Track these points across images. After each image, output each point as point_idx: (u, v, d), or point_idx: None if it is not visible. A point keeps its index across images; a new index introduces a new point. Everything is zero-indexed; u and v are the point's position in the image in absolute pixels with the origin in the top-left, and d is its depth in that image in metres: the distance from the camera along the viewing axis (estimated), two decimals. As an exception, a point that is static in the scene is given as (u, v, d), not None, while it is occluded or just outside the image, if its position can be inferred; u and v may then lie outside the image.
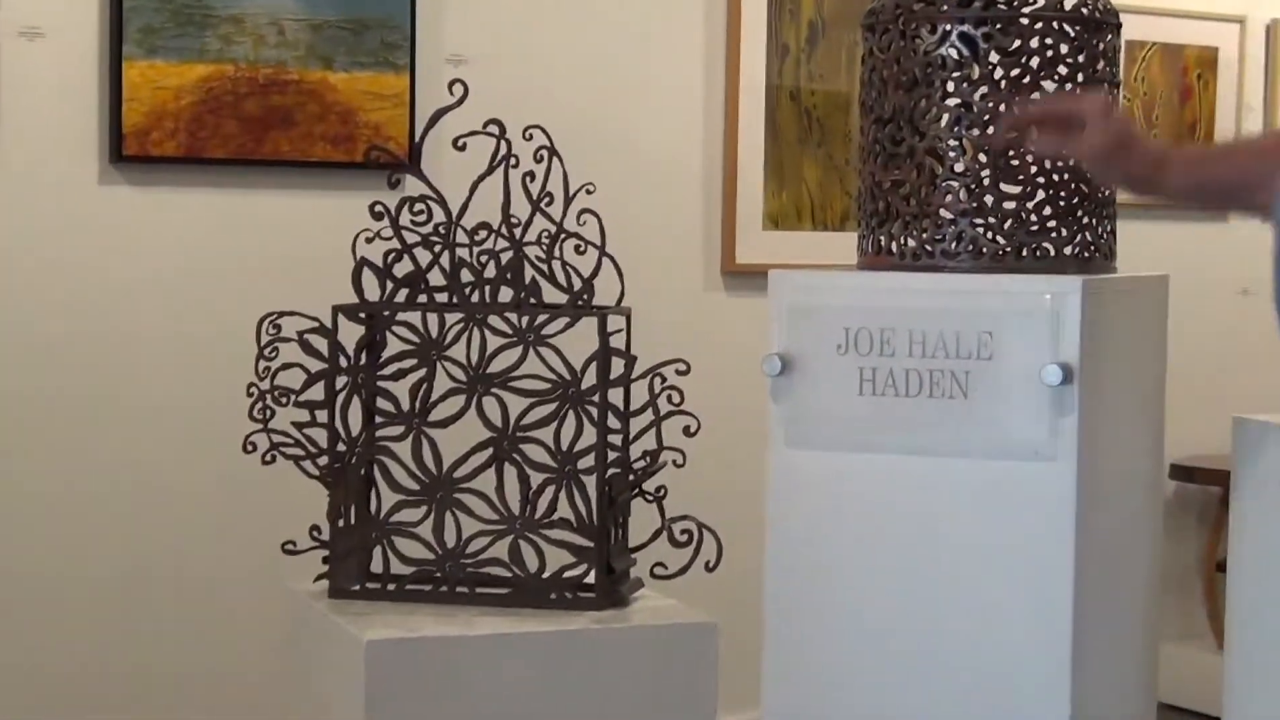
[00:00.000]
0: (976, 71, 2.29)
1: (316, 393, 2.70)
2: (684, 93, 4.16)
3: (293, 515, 2.76)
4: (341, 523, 2.69)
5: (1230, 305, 4.82)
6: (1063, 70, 2.31)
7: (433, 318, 2.70)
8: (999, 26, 2.28)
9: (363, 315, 2.70)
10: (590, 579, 2.63)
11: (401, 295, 2.71)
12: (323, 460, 2.70)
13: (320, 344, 2.69)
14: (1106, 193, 2.39)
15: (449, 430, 2.69)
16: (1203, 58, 4.68)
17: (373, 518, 2.70)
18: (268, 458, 2.71)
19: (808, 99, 4.25)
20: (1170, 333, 2.55)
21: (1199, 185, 2.15)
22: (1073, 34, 2.31)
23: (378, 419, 2.70)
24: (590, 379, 2.64)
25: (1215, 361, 4.71)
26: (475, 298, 2.71)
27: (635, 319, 2.73)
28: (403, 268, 2.72)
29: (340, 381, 2.69)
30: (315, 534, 2.71)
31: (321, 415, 2.70)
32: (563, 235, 2.71)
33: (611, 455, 2.64)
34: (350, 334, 2.69)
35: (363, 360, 2.70)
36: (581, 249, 2.71)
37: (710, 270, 4.21)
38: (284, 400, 2.71)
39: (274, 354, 2.71)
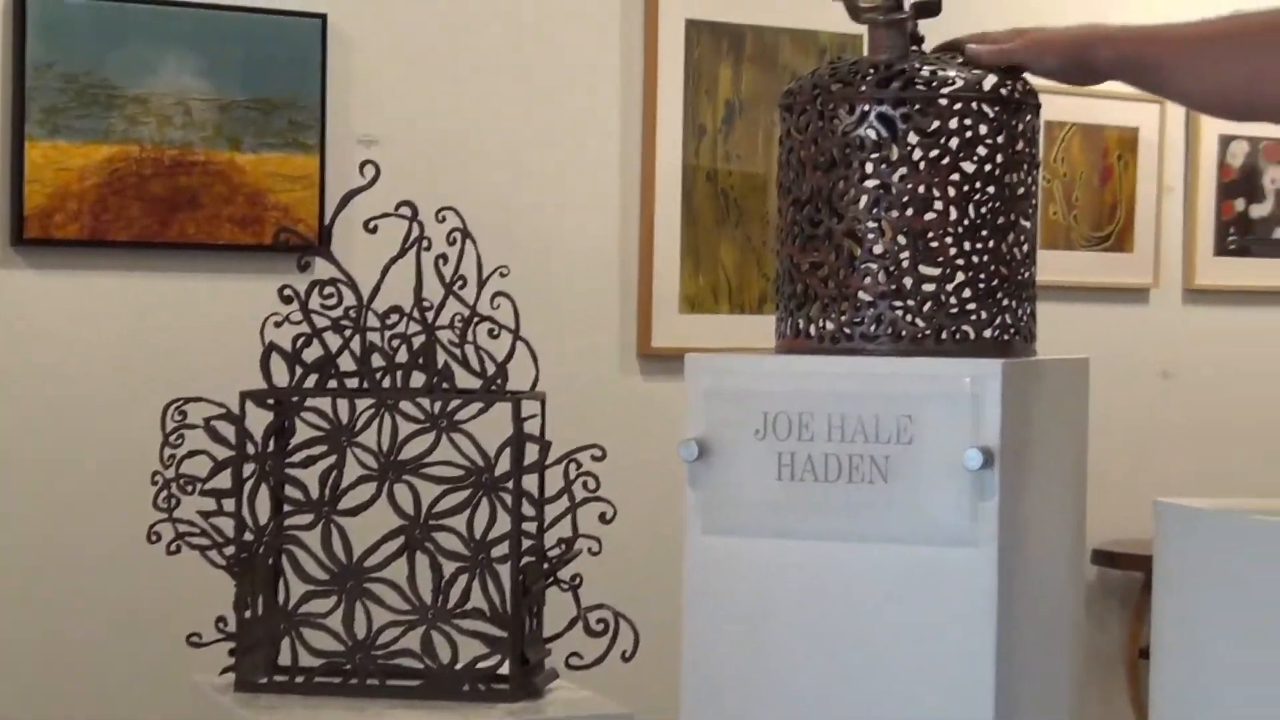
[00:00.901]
0: (895, 152, 2.27)
1: (223, 480, 2.66)
2: (599, 173, 4.14)
3: (198, 606, 2.71)
4: (248, 614, 2.64)
5: (1150, 388, 4.83)
6: (982, 151, 2.29)
7: (343, 403, 2.67)
8: (918, 107, 2.26)
9: (271, 401, 2.66)
10: (504, 670, 2.60)
11: (311, 380, 2.68)
12: (229, 550, 2.65)
13: (227, 430, 2.65)
14: (1026, 275, 2.37)
15: (359, 518, 2.65)
16: (1123, 138, 4.70)
17: (281, 608, 2.65)
18: (173, 547, 2.66)
19: (725, 180, 4.24)
20: (1091, 416, 2.53)
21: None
22: (992, 115, 2.29)
23: (286, 507, 2.66)
24: (504, 465, 2.62)
25: (1136, 445, 4.71)
26: (386, 383, 2.67)
27: (550, 404, 2.70)
28: (312, 352, 2.69)
29: (248, 469, 2.64)
30: (221, 625, 2.66)
31: (228, 504, 2.65)
32: (476, 319, 2.68)
33: (526, 543, 2.61)
34: (258, 420, 2.65)
35: (271, 447, 2.66)
36: (495, 333, 2.69)
37: (626, 354, 4.18)
38: (190, 489, 2.67)
39: (179, 441, 2.66)
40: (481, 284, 2.68)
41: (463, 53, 4.01)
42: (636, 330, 4.16)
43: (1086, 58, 2.35)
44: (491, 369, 2.65)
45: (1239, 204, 4.92)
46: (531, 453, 2.64)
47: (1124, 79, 2.40)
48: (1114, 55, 2.35)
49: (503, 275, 2.69)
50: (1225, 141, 4.98)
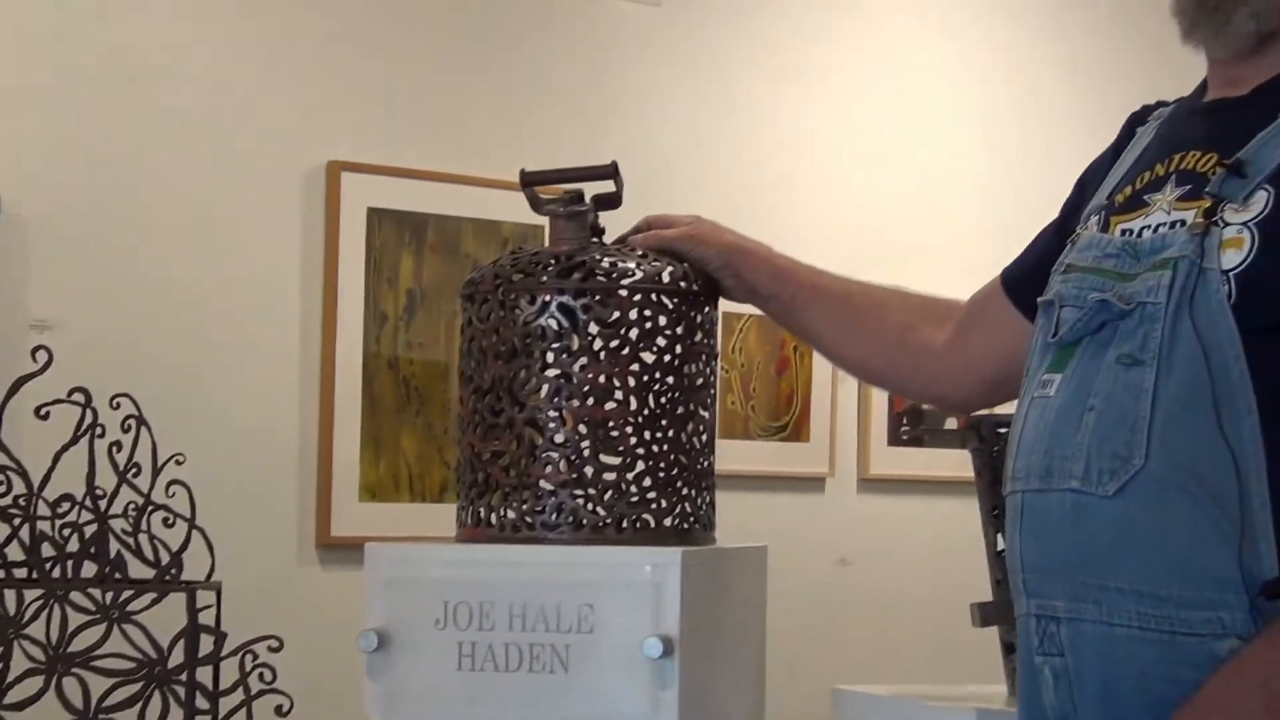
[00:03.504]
0: (576, 342, 2.29)
1: (-120, 676, 2.55)
2: (279, 360, 4.10)
3: None
4: (-95, 816, 2.54)
5: (828, 575, 4.89)
6: (661, 341, 2.31)
7: (10, 594, 2.59)
8: (598, 298, 2.28)
9: (-67, 592, 2.57)
10: None
11: (-24, 571, 2.60)
12: (-115, 748, 2.54)
13: (-114, 623, 2.55)
14: (705, 464, 2.39)
15: (26, 713, 2.57)
16: (798, 331, 4.80)
17: (-61, 809, 2.55)
18: None
19: (406, 368, 4.23)
20: (769, 603, 2.55)
21: None
22: (671, 306, 2.33)
23: (-53, 703, 2.56)
24: (178, 657, 2.56)
25: (815, 631, 4.76)
26: (56, 573, 2.60)
27: (226, 594, 2.65)
28: (-22, 542, 2.61)
29: (-93, 663, 2.55)
30: (-125, 829, 2.55)
31: (-115, 700, 2.55)
32: (150, 507, 2.64)
33: (199, 738, 2.55)
34: (-81, 612, 2.56)
35: (-68, 640, 2.56)
36: (170, 521, 2.64)
37: (305, 543, 4.12)
38: None
39: None
40: (156, 471, 2.63)
41: (141, 236, 3.96)
42: (315, 519, 4.11)
43: (737, 266, 2.45)
44: (166, 558, 2.61)
45: (885, 390, 5.04)
46: (206, 644, 2.59)
47: (758, 304, 2.52)
48: (763, 276, 2.47)
49: (179, 463, 2.65)
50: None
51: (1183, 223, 1.98)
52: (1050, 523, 2.04)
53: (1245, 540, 1.88)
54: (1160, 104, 2.25)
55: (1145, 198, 2.07)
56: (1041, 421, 2.07)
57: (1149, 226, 2.03)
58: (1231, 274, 1.92)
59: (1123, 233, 2.07)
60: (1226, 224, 1.94)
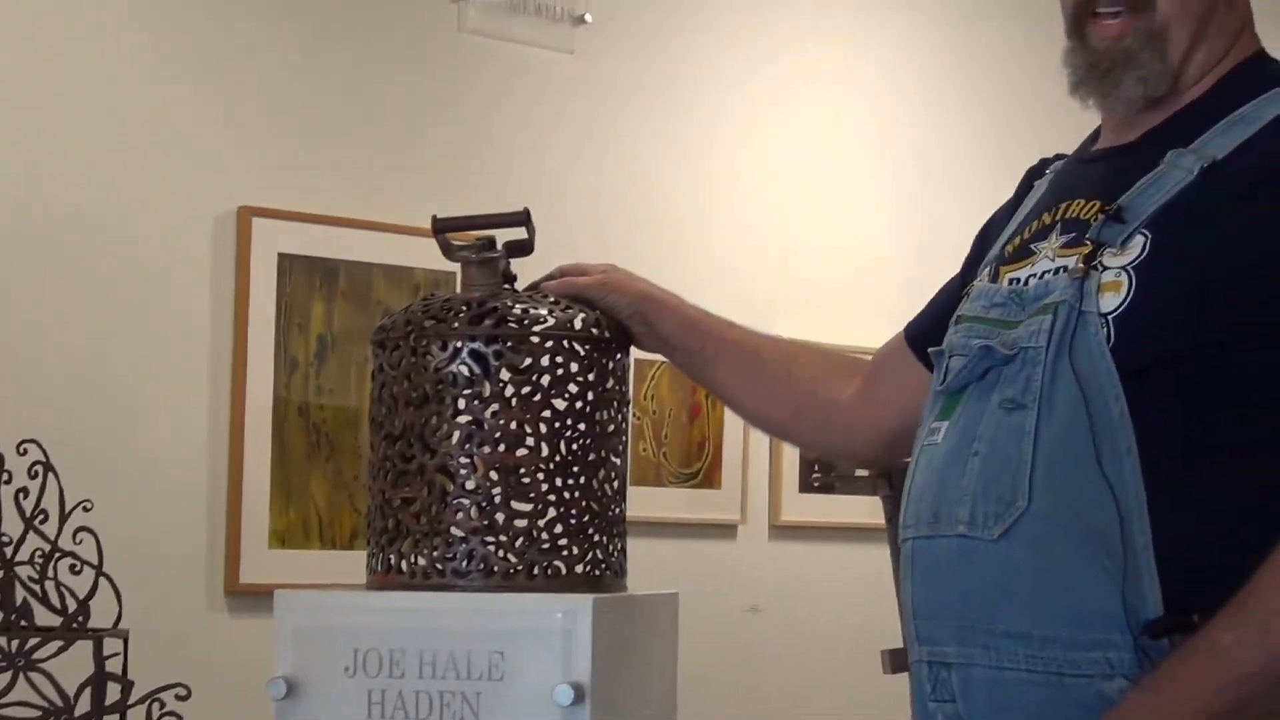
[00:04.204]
0: (487, 389, 2.29)
1: None
2: (188, 406, 4.08)
3: None
4: None
5: (739, 623, 4.89)
6: (573, 388, 2.32)
7: (-88, 643, 2.56)
8: (510, 344, 2.28)
9: None
10: None
11: (-122, 619, 2.57)
12: None
13: None
14: (617, 511, 2.39)
15: (-73, 764, 2.53)
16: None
17: None
18: None
19: (317, 414, 4.21)
20: (681, 650, 2.55)
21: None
22: (582, 353, 2.33)
23: None
24: (84, 706, 2.53)
25: (726, 679, 4.76)
26: (-40, 621, 2.58)
27: (134, 642, 2.63)
28: (-119, 589, 2.58)
29: None
30: None
31: None
32: (57, 554, 2.61)
33: (105, 787, 2.52)
34: None
35: None
36: (77, 569, 2.62)
37: (213, 590, 4.09)
38: None
39: None
40: (64, 518, 2.61)
41: (49, 280, 3.93)
42: (224, 565, 4.08)
43: (647, 315, 2.45)
44: (73, 606, 2.58)
45: (793, 446, 5.05)
46: (114, 692, 2.57)
47: (667, 354, 2.54)
48: (673, 325, 2.48)
49: (86, 509, 2.63)
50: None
51: (1065, 269, 2.01)
52: (939, 568, 2.06)
53: (1129, 580, 1.90)
54: (1058, 156, 2.29)
55: (1032, 247, 2.10)
56: (930, 468, 2.09)
57: (1035, 274, 2.06)
58: (1110, 317, 1.95)
59: (1010, 282, 2.09)
60: (1105, 268, 1.97)
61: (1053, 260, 2.05)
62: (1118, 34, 2.08)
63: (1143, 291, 1.94)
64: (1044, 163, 2.30)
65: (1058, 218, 2.09)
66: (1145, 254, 1.96)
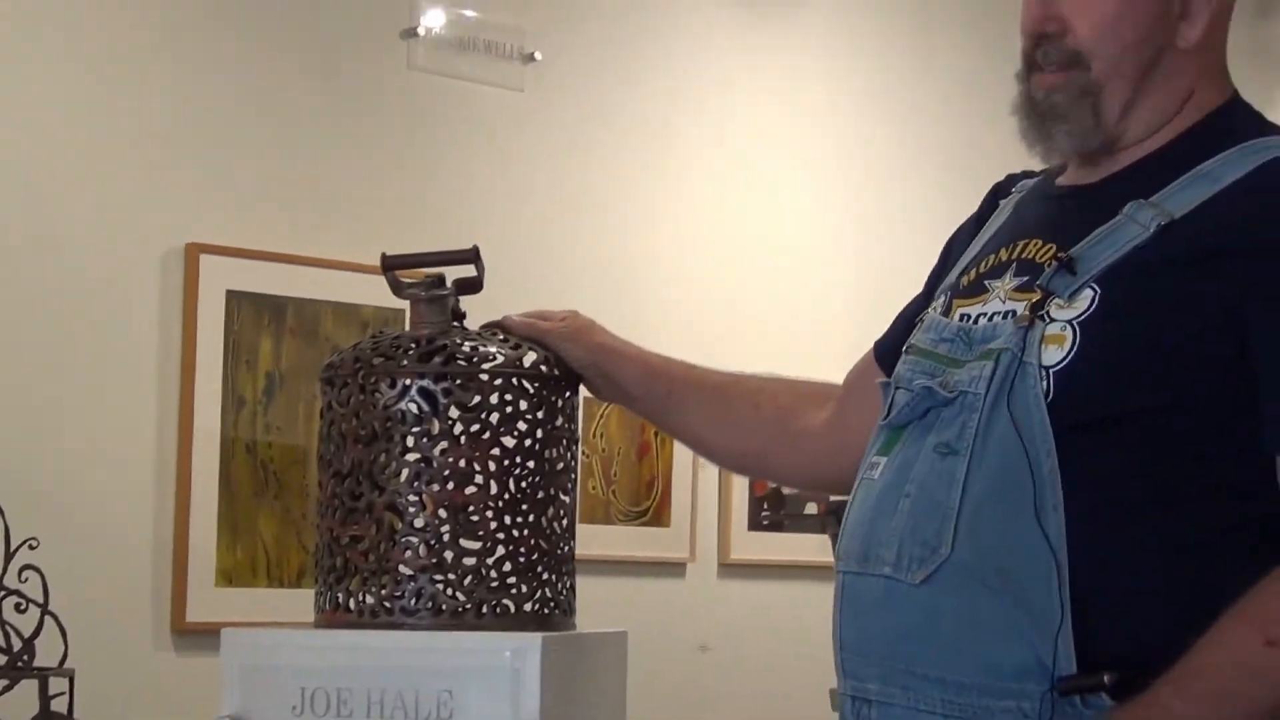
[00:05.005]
0: (437, 426, 2.28)
1: None
2: (134, 444, 4.05)
3: None
4: None
5: (688, 661, 4.88)
6: (522, 426, 2.31)
7: None
8: (459, 382, 2.28)
9: None
10: None
11: None
12: None
13: None
14: (566, 549, 2.39)
15: None
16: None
17: None
18: None
19: (264, 451, 4.19)
20: (630, 689, 2.54)
21: None
22: (531, 391, 2.33)
23: None
24: (28, 746, 2.51)
25: (674, 717, 4.75)
26: (-97, 660, 2.55)
27: (79, 681, 2.61)
28: None
29: None
30: None
31: None
32: (2, 592, 2.59)
33: (49, 828, 2.50)
34: None
35: None
36: (23, 607, 2.60)
37: (160, 629, 4.07)
38: None
39: None
40: (9, 556, 2.59)
41: (-5, 318, 3.91)
42: (171, 604, 4.06)
43: (605, 366, 2.45)
44: (18, 644, 2.57)
45: (771, 481, 5.06)
46: (58, 732, 2.55)
47: (627, 404, 2.53)
48: (635, 374, 2.48)
49: (32, 547, 2.61)
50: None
51: (1014, 313, 2.01)
52: (865, 606, 2.06)
53: (1045, 633, 1.90)
54: (1026, 174, 2.28)
55: (986, 283, 2.10)
56: (865, 504, 2.09)
57: (985, 314, 2.07)
58: (1051, 370, 1.95)
59: (961, 318, 2.10)
60: (1051, 319, 1.98)
61: (1004, 302, 2.05)
62: (1050, 88, 2.09)
63: (1086, 348, 1.95)
64: (1011, 179, 2.29)
65: (1014, 256, 2.09)
66: (1093, 309, 1.96)
